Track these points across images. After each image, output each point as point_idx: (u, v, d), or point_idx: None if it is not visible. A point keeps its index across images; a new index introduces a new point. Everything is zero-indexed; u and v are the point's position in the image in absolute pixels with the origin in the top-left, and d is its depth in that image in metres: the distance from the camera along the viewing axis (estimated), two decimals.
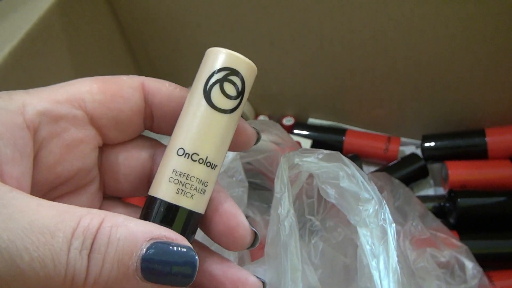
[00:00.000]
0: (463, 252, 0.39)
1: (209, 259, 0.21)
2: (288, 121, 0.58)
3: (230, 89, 0.19)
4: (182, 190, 0.18)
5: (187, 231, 0.19)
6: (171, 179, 0.18)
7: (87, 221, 0.15)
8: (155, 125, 0.21)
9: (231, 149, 0.20)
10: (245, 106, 0.65)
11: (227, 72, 0.19)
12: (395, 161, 0.51)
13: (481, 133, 0.47)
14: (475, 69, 0.46)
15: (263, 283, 0.20)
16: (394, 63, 0.49)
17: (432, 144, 0.50)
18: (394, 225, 0.27)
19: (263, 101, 0.58)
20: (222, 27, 0.50)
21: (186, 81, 0.58)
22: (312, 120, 0.58)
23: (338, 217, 0.37)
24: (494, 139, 0.46)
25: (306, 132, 0.56)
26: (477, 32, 0.43)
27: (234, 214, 0.20)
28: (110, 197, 0.22)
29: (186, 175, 0.18)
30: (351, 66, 0.50)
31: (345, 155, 0.54)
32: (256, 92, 0.58)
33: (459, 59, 0.46)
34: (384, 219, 0.27)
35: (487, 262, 0.42)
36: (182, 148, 0.18)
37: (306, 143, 0.55)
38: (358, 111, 0.55)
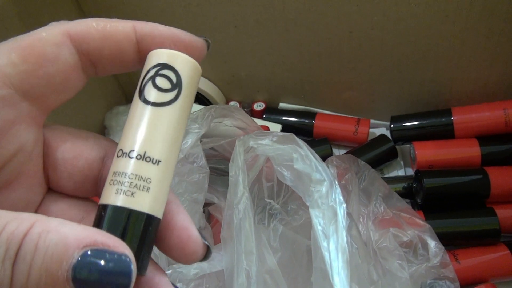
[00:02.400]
0: (426, 231, 0.39)
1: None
2: (259, 106, 0.57)
3: (162, 83, 0.18)
4: (121, 189, 0.17)
5: (131, 235, 0.17)
6: (111, 182, 0.17)
7: (13, 226, 0.14)
8: (99, 70, 0.19)
9: None
10: (215, 92, 0.63)
11: (159, 67, 0.19)
12: (365, 143, 0.51)
13: (448, 113, 0.47)
14: (441, 48, 0.46)
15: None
16: (360, 44, 0.48)
17: (400, 125, 0.50)
18: (344, 205, 0.26)
19: (233, 87, 0.58)
20: (185, 13, 0.50)
21: None
22: (282, 105, 0.57)
23: (299, 200, 0.37)
24: (460, 118, 0.46)
25: (277, 117, 0.56)
26: (440, 10, 0.43)
27: (186, 228, 0.19)
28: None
29: (123, 173, 0.17)
30: (317, 49, 0.50)
31: (316, 138, 0.54)
32: (225, 78, 0.57)
33: (424, 38, 0.46)
34: (335, 200, 0.27)
35: (452, 241, 0.43)
36: (121, 149, 0.18)
37: (276, 128, 0.54)
38: (328, 94, 0.55)
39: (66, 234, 0.14)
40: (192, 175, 0.37)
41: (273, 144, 0.30)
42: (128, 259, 0.15)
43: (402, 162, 0.52)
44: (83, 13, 0.52)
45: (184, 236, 0.18)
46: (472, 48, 0.45)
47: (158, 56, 0.19)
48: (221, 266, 0.30)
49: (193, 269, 0.29)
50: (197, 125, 0.38)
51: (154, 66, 0.19)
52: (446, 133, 0.47)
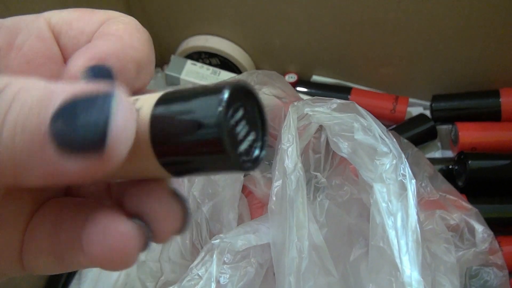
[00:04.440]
0: (473, 215, 0.37)
1: None
2: (290, 78, 0.55)
3: None
4: None
5: None
6: None
7: None
8: None
9: None
10: (245, 60, 0.61)
11: None
12: (402, 122, 0.49)
13: (495, 94, 0.45)
14: (494, 24, 0.43)
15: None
16: (407, 16, 0.45)
17: (443, 104, 0.47)
18: (414, 181, 0.24)
19: (265, 55, 0.55)
20: None
21: (180, 27, 0.55)
22: (315, 78, 0.55)
23: (344, 174, 0.35)
24: (509, 100, 0.44)
25: (309, 90, 0.53)
26: None
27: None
28: None
29: None
30: (360, 19, 0.47)
31: None
32: (257, 46, 0.54)
33: (477, 13, 0.43)
34: (404, 175, 0.25)
35: (495, 227, 0.41)
36: None
37: None
38: (365, 68, 0.52)
39: (50, 85, 0.12)
40: None
41: (331, 113, 0.28)
42: (110, 98, 0.11)
43: (439, 144, 0.50)
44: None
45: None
46: None
47: None
48: (267, 239, 0.29)
49: (240, 240, 0.27)
50: None
51: None
52: (491, 115, 0.45)
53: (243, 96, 0.13)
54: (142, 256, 0.37)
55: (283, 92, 0.41)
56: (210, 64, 0.55)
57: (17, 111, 0.11)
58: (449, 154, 0.48)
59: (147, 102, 0.13)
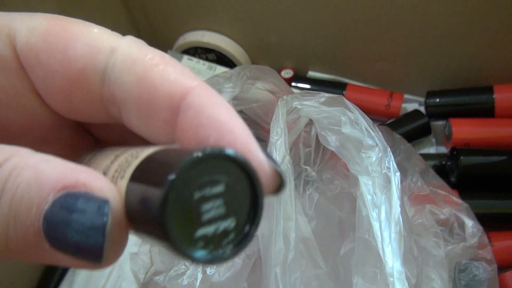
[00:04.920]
0: (463, 210, 0.37)
1: None
2: (286, 73, 0.55)
3: None
4: None
5: None
6: None
7: None
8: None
9: None
10: (242, 56, 0.61)
11: None
12: (396, 118, 0.49)
13: (489, 90, 0.45)
14: (489, 22, 0.44)
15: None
16: (401, 12, 0.45)
17: (437, 100, 0.47)
18: (398, 173, 0.25)
19: (261, 51, 0.55)
20: None
21: (177, 22, 0.55)
22: (311, 73, 0.55)
23: (335, 169, 0.35)
24: (503, 97, 0.44)
25: (305, 86, 0.54)
26: None
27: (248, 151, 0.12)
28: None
29: None
30: (355, 15, 0.47)
31: None
32: (253, 42, 0.54)
33: (471, 10, 0.43)
34: (388, 167, 0.25)
35: (486, 222, 0.41)
36: None
37: None
38: (360, 64, 0.52)
39: (44, 171, 0.11)
40: None
41: (319, 106, 0.28)
42: (105, 208, 0.11)
43: (433, 140, 0.50)
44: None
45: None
46: None
47: None
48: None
49: None
50: (231, 84, 0.36)
51: None
52: (485, 111, 0.45)
53: (230, 168, 0.11)
54: (135, 248, 0.38)
55: (276, 86, 0.41)
56: (206, 59, 0.55)
57: (9, 200, 0.11)
58: (443, 150, 0.48)
59: (127, 173, 0.12)
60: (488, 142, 0.44)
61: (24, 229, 0.10)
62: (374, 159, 0.26)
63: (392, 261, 0.23)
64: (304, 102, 0.29)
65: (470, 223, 0.36)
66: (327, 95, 0.28)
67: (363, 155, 0.26)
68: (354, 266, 0.27)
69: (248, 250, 0.29)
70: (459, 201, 0.37)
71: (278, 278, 0.27)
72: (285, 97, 0.30)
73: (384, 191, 0.24)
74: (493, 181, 0.42)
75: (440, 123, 0.49)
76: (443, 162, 0.45)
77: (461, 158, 0.42)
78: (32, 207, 0.10)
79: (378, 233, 0.24)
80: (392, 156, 0.25)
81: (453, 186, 0.43)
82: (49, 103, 0.13)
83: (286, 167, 0.28)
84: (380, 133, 0.26)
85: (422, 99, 0.51)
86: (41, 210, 0.10)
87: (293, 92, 0.41)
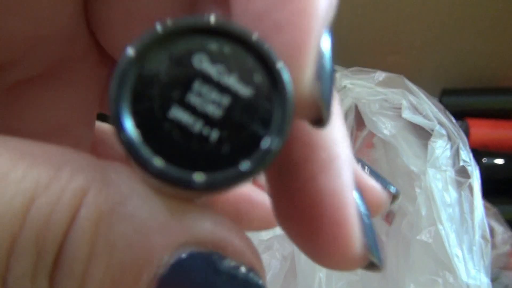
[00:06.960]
0: (491, 215, 0.35)
1: None
2: None
3: None
4: None
5: None
6: None
7: (43, 201, 0.07)
8: None
9: None
10: None
11: None
12: None
13: (509, 92, 0.43)
14: None
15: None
16: (424, 1, 0.43)
17: (453, 99, 0.45)
18: (478, 168, 0.21)
19: None
20: None
21: None
22: None
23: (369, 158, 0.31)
24: None
25: None
26: None
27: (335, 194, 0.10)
28: None
29: None
30: (373, 1, 0.44)
31: None
32: None
33: (496, 5, 0.41)
34: (465, 160, 0.21)
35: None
36: None
37: None
38: (372, 56, 0.49)
39: (146, 223, 0.07)
40: None
41: (373, 87, 0.25)
42: (257, 277, 0.08)
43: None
44: None
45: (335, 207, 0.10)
46: None
47: None
48: None
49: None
50: None
51: None
52: (503, 113, 0.43)
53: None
54: None
55: None
56: None
57: (102, 270, 0.07)
58: None
59: None
60: (507, 144, 0.42)
61: None
62: (444, 150, 0.22)
63: (474, 271, 0.19)
64: (357, 81, 0.25)
65: (500, 229, 0.34)
66: (384, 73, 0.24)
67: (433, 144, 0.22)
68: (408, 271, 0.23)
69: (284, 251, 0.24)
70: (487, 205, 0.35)
71: (322, 283, 0.23)
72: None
73: (460, 187, 0.21)
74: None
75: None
76: None
77: (483, 159, 0.39)
78: (141, 273, 0.08)
79: (450, 237, 0.21)
80: (469, 148, 0.22)
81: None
82: None
83: None
84: (453, 120, 0.23)
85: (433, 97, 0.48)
86: (154, 273, 0.08)
87: None
